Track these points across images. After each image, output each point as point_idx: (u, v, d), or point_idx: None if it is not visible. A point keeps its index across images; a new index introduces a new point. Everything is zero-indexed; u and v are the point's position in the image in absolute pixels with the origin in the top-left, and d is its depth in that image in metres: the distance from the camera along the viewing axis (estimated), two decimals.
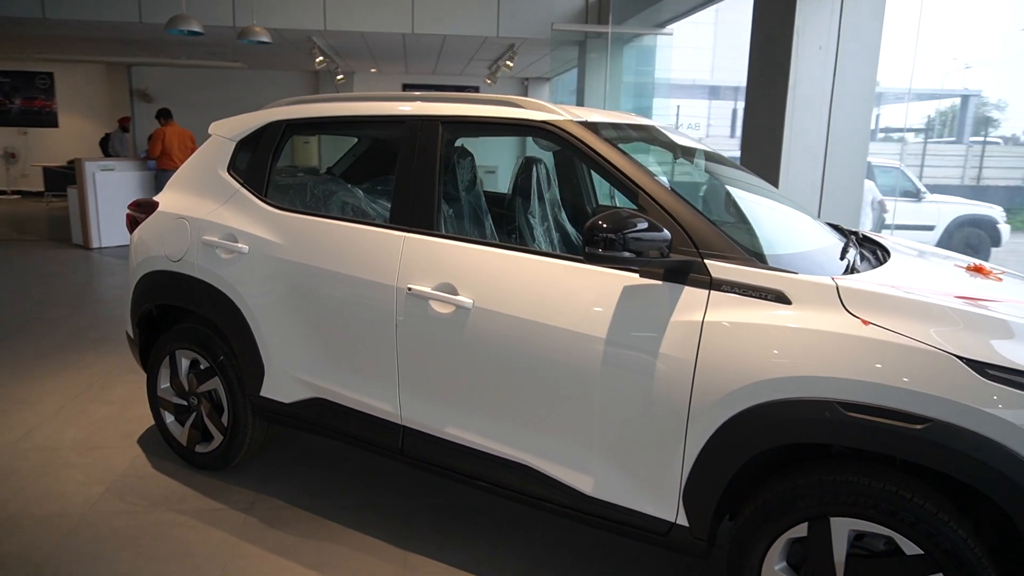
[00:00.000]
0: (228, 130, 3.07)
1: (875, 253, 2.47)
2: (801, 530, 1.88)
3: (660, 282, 2.03)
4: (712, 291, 1.97)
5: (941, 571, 1.72)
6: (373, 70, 15.02)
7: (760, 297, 1.92)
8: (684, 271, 2.01)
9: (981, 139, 17.66)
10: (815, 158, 4.75)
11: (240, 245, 2.80)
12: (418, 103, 2.62)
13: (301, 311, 2.67)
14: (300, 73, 15.89)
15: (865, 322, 1.80)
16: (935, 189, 11.94)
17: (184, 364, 3.07)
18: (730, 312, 1.93)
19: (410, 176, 2.52)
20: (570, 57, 11.18)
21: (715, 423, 1.91)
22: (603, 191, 3.74)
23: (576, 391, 2.13)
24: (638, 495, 2.09)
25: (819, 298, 1.87)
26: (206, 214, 2.94)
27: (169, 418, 3.18)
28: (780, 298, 1.90)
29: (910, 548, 1.75)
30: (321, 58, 11.05)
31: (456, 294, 2.30)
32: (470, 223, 2.85)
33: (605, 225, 1.92)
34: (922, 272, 2.28)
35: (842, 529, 1.82)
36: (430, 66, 13.75)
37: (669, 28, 8.80)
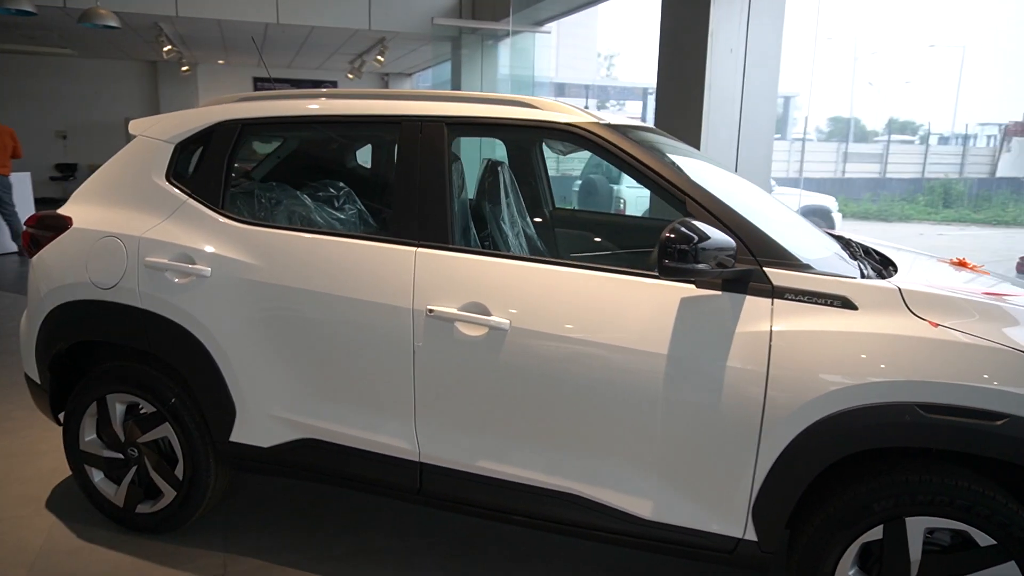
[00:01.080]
0: (160, 131, 2.60)
1: (870, 255, 2.55)
2: (875, 533, 1.89)
3: (720, 292, 1.96)
4: (775, 299, 1.93)
5: (1013, 558, 1.79)
6: (221, 62, 13.85)
7: (826, 304, 1.90)
8: (745, 280, 1.95)
9: (800, 136, 19.68)
10: (728, 157, 4.96)
11: (200, 267, 2.37)
12: (417, 102, 2.35)
13: (285, 341, 2.32)
14: (138, 63, 14.32)
15: (933, 324, 1.84)
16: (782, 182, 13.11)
17: (118, 411, 2.58)
18: (798, 320, 1.89)
19: (414, 184, 2.26)
20: (439, 53, 10.97)
21: (790, 434, 1.87)
22: (559, 193, 3.64)
23: (634, 411, 2.01)
24: (703, 514, 2.01)
25: (885, 302, 1.88)
26: (146, 231, 2.47)
27: (97, 476, 2.66)
28: (846, 304, 1.89)
29: (984, 540, 1.81)
30: (169, 47, 9.99)
31: (488, 314, 2.09)
32: (479, 234, 2.62)
33: (681, 237, 1.81)
34: (937, 273, 2.38)
35: (917, 528, 1.85)
36: (287, 59, 12.92)
37: (548, 27, 8.87)
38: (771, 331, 1.89)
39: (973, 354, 1.78)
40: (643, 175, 2.11)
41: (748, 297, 1.94)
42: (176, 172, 2.54)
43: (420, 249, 2.21)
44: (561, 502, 2.13)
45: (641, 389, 1.99)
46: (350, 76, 12.79)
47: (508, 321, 2.07)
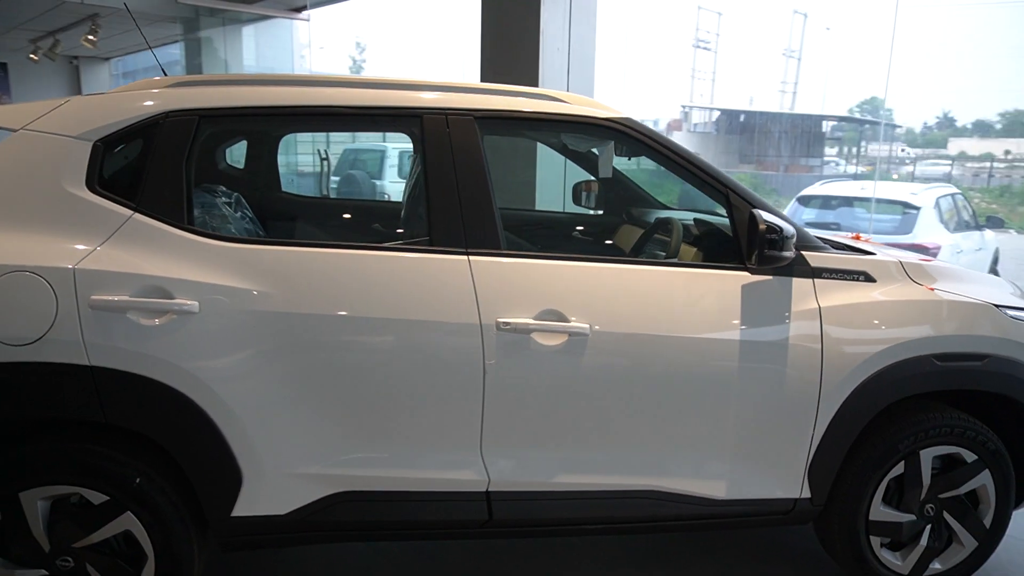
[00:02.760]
0: (62, 123, 1.92)
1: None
2: (898, 469, 2.25)
3: (770, 277, 2.12)
4: (815, 279, 2.15)
5: (988, 467, 2.27)
6: None
7: (853, 279, 2.18)
8: (791, 264, 2.14)
9: None
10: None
11: (182, 302, 1.82)
12: (439, 93, 2.09)
13: (311, 379, 1.91)
14: None
15: (929, 288, 2.23)
16: None
17: (40, 510, 1.87)
18: (837, 295, 2.14)
19: (452, 185, 2.02)
20: (163, 35, 9.59)
21: (843, 396, 2.12)
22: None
23: (711, 399, 2.09)
24: (770, 484, 2.17)
25: (893, 274, 2.23)
26: (80, 260, 1.81)
27: None
28: (868, 278, 2.19)
29: (969, 457, 2.27)
30: None
31: (567, 320, 1.98)
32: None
33: (771, 228, 1.94)
34: (883, 247, 2.82)
35: (928, 458, 2.25)
36: None
37: (306, 14, 8.29)
38: (819, 307, 2.11)
39: (960, 309, 2.21)
40: (686, 169, 2.17)
41: (795, 279, 2.13)
42: (101, 179, 1.91)
43: (473, 257, 1.99)
44: (638, 501, 2.12)
45: (716, 376, 2.07)
46: (33, 58, 10.40)
47: (589, 325, 1.98)
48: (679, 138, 24.69)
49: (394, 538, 2.08)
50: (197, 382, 1.84)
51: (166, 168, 1.93)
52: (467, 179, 2.03)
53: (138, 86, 2.04)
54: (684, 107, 26.75)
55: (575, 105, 2.18)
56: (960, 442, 2.25)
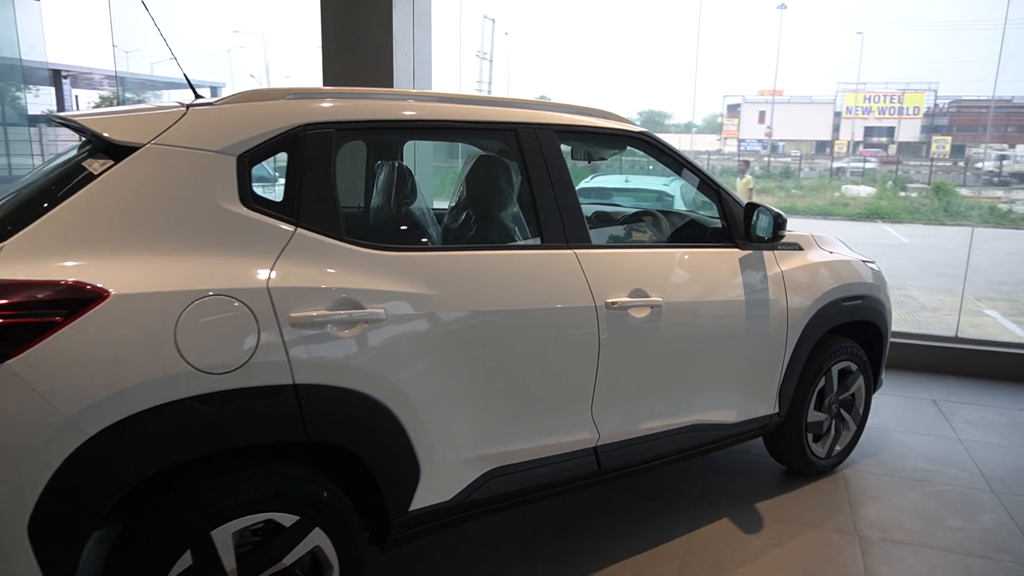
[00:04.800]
0: (201, 137, 1.81)
1: None
2: (820, 382, 3.15)
3: (751, 252, 2.84)
4: (775, 251, 2.93)
5: (863, 373, 3.30)
6: None
7: (792, 249, 3.01)
8: (765, 240, 2.88)
9: None
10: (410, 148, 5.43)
11: (372, 310, 1.88)
12: (524, 110, 2.37)
13: (472, 369, 2.10)
14: None
15: (830, 252, 3.16)
16: None
17: (226, 547, 1.77)
18: (788, 262, 2.95)
19: (549, 189, 2.34)
20: None
21: (796, 336, 2.94)
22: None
23: (730, 345, 2.73)
24: (759, 406, 2.90)
25: (812, 244, 3.11)
26: (269, 279, 1.76)
27: None
28: (798, 247, 3.04)
29: (853, 368, 3.26)
30: None
31: (648, 296, 2.45)
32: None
33: (782, 218, 2.65)
34: None
35: (835, 372, 3.19)
36: None
37: None
38: (781, 271, 2.89)
39: (849, 266, 3.18)
40: (689, 172, 2.77)
41: (764, 252, 2.88)
42: (253, 194, 1.85)
43: (577, 251, 2.34)
44: (690, 434, 2.68)
45: (736, 328, 2.73)
46: None
47: (662, 299, 2.48)
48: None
49: (523, 504, 2.33)
50: (387, 386, 1.92)
51: (319, 181, 1.93)
52: (560, 183, 2.36)
53: (249, 96, 1.97)
54: None
55: (616, 122, 2.63)
56: (850, 358, 3.23)
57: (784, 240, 2.93)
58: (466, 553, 2.61)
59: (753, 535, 2.78)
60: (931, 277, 10.60)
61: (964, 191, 24.90)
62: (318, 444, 1.89)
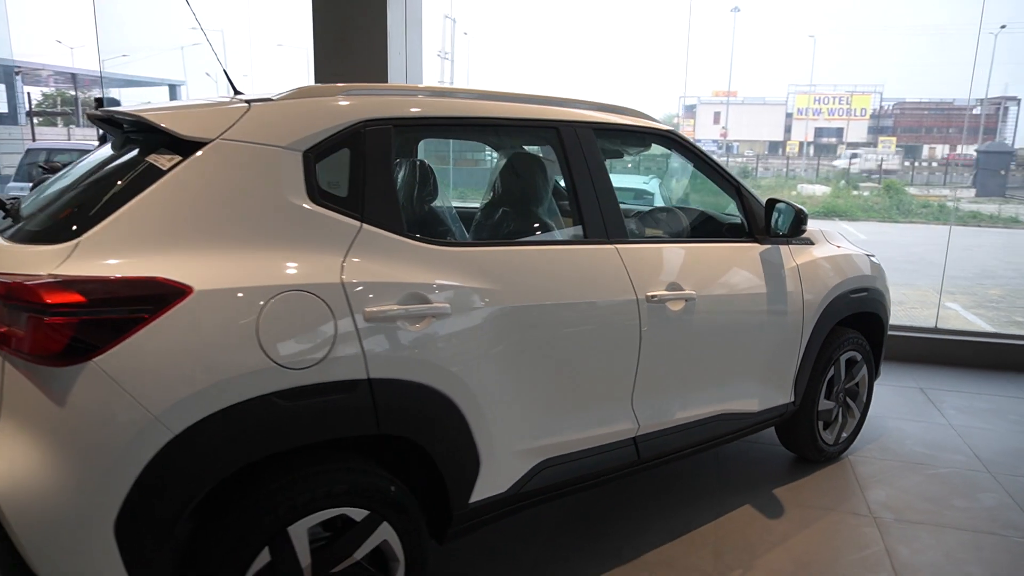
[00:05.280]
0: (268, 133, 1.81)
1: None
2: (830, 372, 3.27)
3: (770, 246, 2.94)
4: (789, 246, 3.04)
5: (866, 362, 3.44)
6: None
7: (804, 243, 3.12)
8: (781, 235, 2.98)
9: None
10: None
11: (438, 305, 1.90)
12: (565, 108, 2.41)
13: (527, 362, 2.13)
14: None
15: (837, 246, 3.29)
16: None
17: (301, 543, 1.77)
18: (801, 256, 3.06)
19: (590, 186, 2.39)
20: None
21: (811, 328, 3.05)
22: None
23: (757, 338, 2.83)
24: (777, 395, 3.00)
25: (820, 239, 3.23)
26: (342, 274, 1.77)
27: None
28: (809, 242, 3.15)
29: (858, 357, 3.40)
30: None
31: (682, 290, 2.52)
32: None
33: (804, 214, 2.74)
34: None
35: (843, 361, 3.31)
36: None
37: None
38: (797, 264, 3.00)
39: (855, 259, 3.31)
40: (712, 170, 2.86)
41: (780, 247, 2.98)
42: (319, 190, 1.85)
43: (617, 245, 2.40)
44: (716, 423, 2.76)
45: (758, 320, 2.82)
46: None
47: (695, 292, 2.55)
48: None
49: (567, 495, 2.37)
50: (451, 379, 1.94)
51: (380, 177, 1.94)
52: (599, 179, 2.42)
53: (308, 92, 1.96)
54: None
55: (642, 119, 2.69)
56: (856, 348, 3.36)
57: (799, 236, 3.04)
58: (502, 546, 2.64)
59: (777, 520, 2.88)
60: (891, 272, 11.00)
61: (912, 190, 25.82)
62: (385, 438, 1.90)
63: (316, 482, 1.76)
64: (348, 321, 1.76)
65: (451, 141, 6.28)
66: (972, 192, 25.62)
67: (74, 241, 1.58)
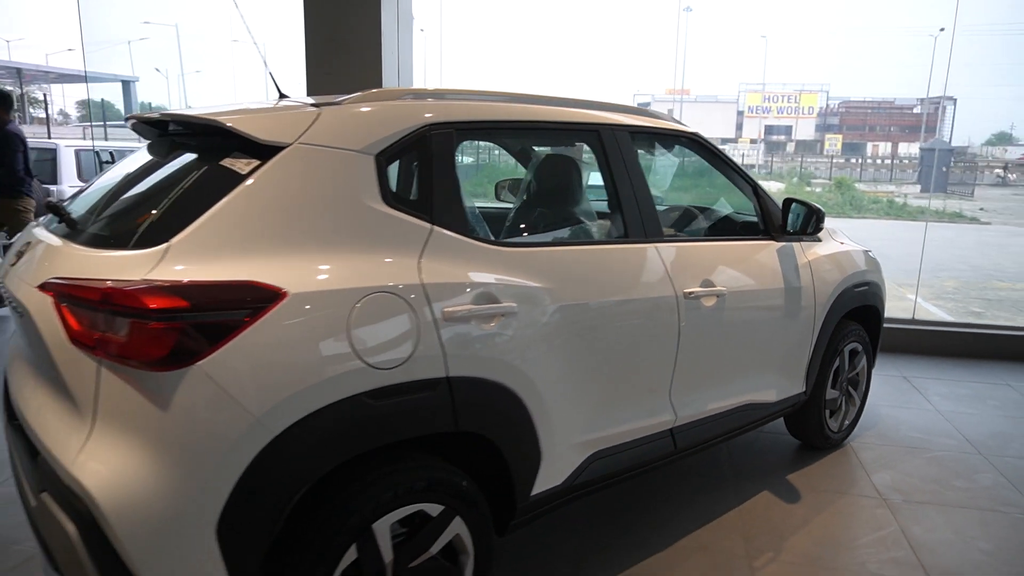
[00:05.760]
0: (342, 137, 1.83)
1: None
2: (835, 363, 3.43)
3: (784, 243, 3.07)
4: (800, 242, 3.17)
5: (866, 353, 3.62)
6: None
7: (812, 240, 3.26)
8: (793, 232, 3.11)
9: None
10: None
11: (507, 304, 1.95)
12: (601, 112, 2.49)
13: (583, 358, 2.20)
14: None
15: (841, 243, 3.45)
16: None
17: (384, 539, 1.80)
18: (811, 252, 3.20)
19: (629, 187, 2.47)
20: None
21: (821, 321, 3.20)
22: None
23: (776, 332, 2.95)
24: (790, 386, 3.14)
25: (827, 236, 3.38)
26: (420, 276, 1.81)
27: None
28: (817, 239, 3.30)
29: (859, 349, 3.57)
30: None
31: (714, 286, 2.62)
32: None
33: (821, 213, 2.87)
34: None
35: (847, 352, 3.48)
36: None
37: None
38: (808, 260, 3.14)
39: (857, 254, 3.47)
40: (731, 170, 2.97)
41: (793, 244, 3.12)
42: (393, 192, 1.88)
43: (656, 244, 2.48)
44: (741, 413, 2.87)
45: (778, 314, 2.95)
46: None
47: (725, 288, 2.66)
48: None
49: (610, 486, 2.45)
50: (518, 376, 2.00)
51: (446, 180, 1.98)
52: (637, 180, 2.50)
53: (374, 96, 1.99)
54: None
55: (668, 122, 2.79)
56: (858, 340, 3.53)
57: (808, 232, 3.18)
58: (542, 538, 2.70)
59: (795, 505, 3.01)
60: None
61: (861, 186, 26.67)
62: (456, 435, 1.94)
63: (397, 479, 1.79)
64: (429, 321, 1.79)
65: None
66: (917, 188, 26.63)
67: (163, 246, 1.58)
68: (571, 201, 2.56)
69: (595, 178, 2.80)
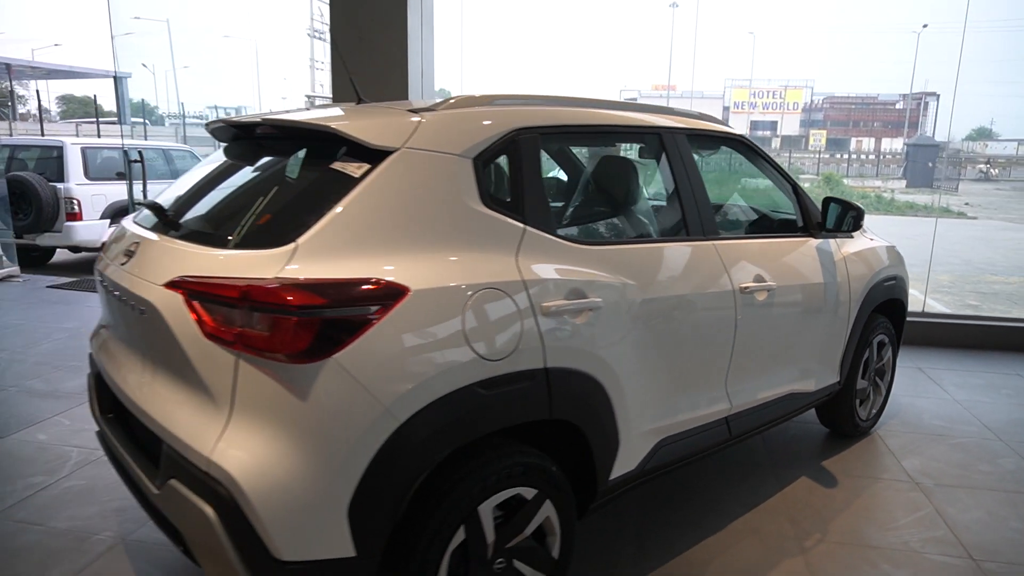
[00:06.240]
0: (444, 141, 1.94)
1: None
2: (865, 354, 3.58)
3: (821, 239, 3.21)
4: (836, 238, 3.32)
5: (892, 345, 3.78)
6: None
7: (846, 235, 3.40)
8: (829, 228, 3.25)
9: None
10: None
11: (593, 299, 2.07)
12: (662, 116, 2.61)
13: (652, 351, 2.32)
14: None
15: (871, 239, 3.60)
16: None
17: (488, 521, 1.92)
18: (845, 248, 3.35)
19: (690, 187, 2.60)
20: None
21: (855, 313, 3.34)
22: None
23: (816, 324, 3.10)
24: (828, 376, 3.28)
25: (859, 232, 3.52)
26: (520, 273, 1.92)
27: None
28: (850, 236, 3.44)
29: (887, 341, 3.73)
30: None
31: (766, 281, 2.75)
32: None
33: (862, 211, 3.02)
34: None
35: (875, 344, 3.63)
36: None
37: None
38: (843, 256, 3.29)
39: (886, 250, 3.63)
40: (773, 169, 3.10)
41: (830, 240, 3.26)
42: (488, 194, 1.99)
43: (714, 242, 2.61)
44: (785, 401, 3.02)
45: (818, 308, 3.09)
46: None
47: (776, 283, 2.79)
48: None
49: (672, 472, 2.58)
50: (603, 367, 2.12)
51: (534, 182, 2.09)
52: (695, 180, 2.62)
53: (464, 102, 2.09)
54: (308, 96, 26.81)
55: (717, 124, 2.91)
56: (885, 332, 3.69)
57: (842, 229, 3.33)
58: (601, 523, 2.83)
59: (834, 489, 3.16)
60: None
61: (848, 181, 27.01)
62: (550, 423, 2.06)
63: (499, 465, 1.91)
64: (530, 315, 1.91)
65: None
66: (903, 183, 27.00)
67: (291, 246, 1.68)
68: (638, 201, 2.68)
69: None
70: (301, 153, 2.03)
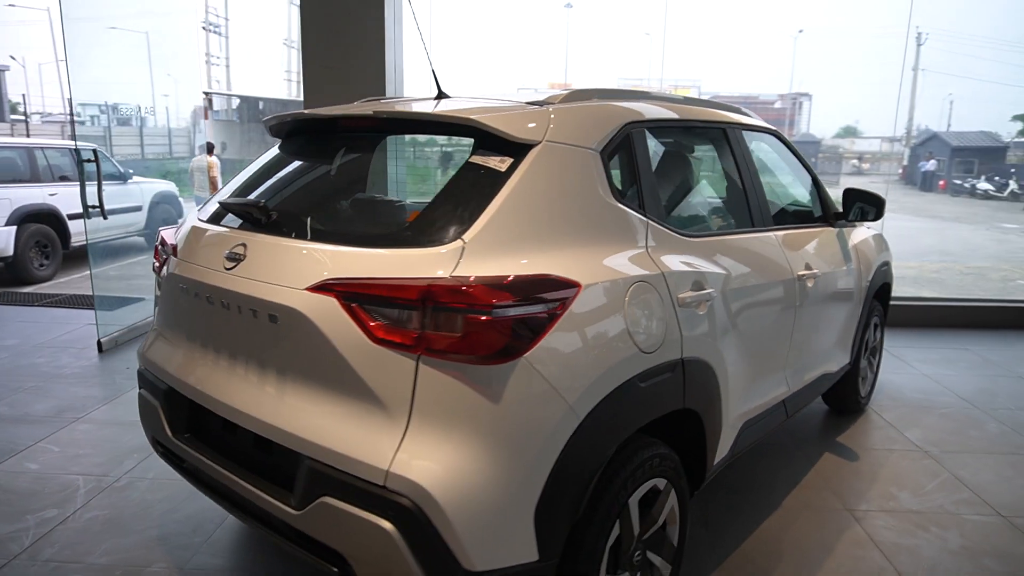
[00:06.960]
0: (577, 135, 1.92)
1: None
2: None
3: (839, 228, 3.42)
4: (845, 228, 3.54)
5: (881, 325, 4.07)
6: None
7: (852, 226, 3.64)
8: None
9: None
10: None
11: (710, 290, 2.11)
12: (724, 112, 2.69)
13: (744, 337, 2.40)
14: None
15: (868, 227, 3.85)
16: None
17: (635, 513, 1.92)
18: (854, 236, 3.57)
19: (751, 180, 2.69)
20: None
21: (864, 299, 3.58)
22: None
23: (842, 308, 3.29)
24: (844, 357, 3.49)
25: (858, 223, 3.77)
26: (655, 265, 1.93)
27: None
28: (854, 226, 3.68)
29: (878, 322, 4.01)
30: None
31: (812, 269, 2.90)
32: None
33: (883, 201, 3.22)
34: None
35: (872, 325, 3.90)
36: None
37: None
38: (855, 244, 3.51)
39: (881, 238, 3.90)
40: (799, 162, 3.27)
41: (843, 229, 3.47)
42: (616, 188, 1.99)
43: (775, 233, 2.72)
44: (820, 381, 3.19)
45: (844, 293, 3.28)
46: None
47: (819, 271, 2.94)
48: (206, 126, 23.45)
49: (742, 455, 2.66)
50: (717, 355, 2.17)
51: (647, 175, 2.11)
52: (754, 173, 2.72)
53: (576, 96, 2.08)
54: (205, 93, 25.44)
55: (755, 119, 3.03)
56: (879, 314, 3.96)
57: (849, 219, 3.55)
58: None
59: (858, 463, 3.37)
60: None
61: None
62: (674, 413, 2.08)
63: (642, 457, 1.91)
64: (671, 307, 1.93)
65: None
66: None
67: (458, 243, 1.61)
68: (722, 194, 2.76)
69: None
70: (434, 148, 1.95)
